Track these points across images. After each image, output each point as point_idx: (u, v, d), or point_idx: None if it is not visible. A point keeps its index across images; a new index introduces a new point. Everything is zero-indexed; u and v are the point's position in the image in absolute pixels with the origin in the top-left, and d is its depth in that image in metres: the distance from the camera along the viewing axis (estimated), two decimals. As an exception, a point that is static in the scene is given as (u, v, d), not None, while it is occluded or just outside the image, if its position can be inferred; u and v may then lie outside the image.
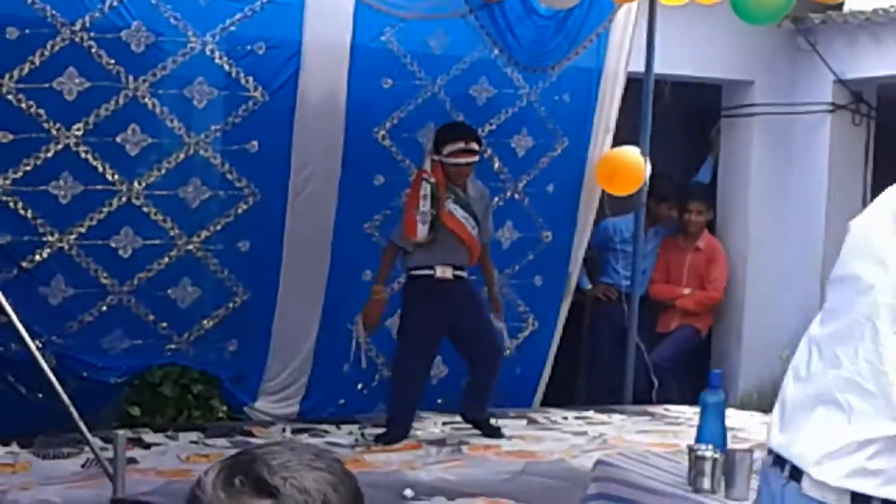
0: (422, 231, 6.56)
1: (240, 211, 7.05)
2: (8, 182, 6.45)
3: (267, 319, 7.21)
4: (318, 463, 1.64)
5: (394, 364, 6.92)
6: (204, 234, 7.00)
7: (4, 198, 6.46)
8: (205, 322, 7.11)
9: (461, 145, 6.58)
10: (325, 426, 6.98)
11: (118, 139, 6.66)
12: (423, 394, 6.89)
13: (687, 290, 8.79)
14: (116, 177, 6.70)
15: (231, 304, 7.16)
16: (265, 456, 1.64)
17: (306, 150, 7.10)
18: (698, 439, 4.43)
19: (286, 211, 7.12)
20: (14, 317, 3.25)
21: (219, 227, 7.04)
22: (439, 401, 7.56)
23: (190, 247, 6.97)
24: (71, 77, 6.47)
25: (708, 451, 4.23)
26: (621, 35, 7.88)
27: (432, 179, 6.59)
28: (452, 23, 7.40)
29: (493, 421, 6.98)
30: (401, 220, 6.69)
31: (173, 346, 7.04)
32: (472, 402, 6.96)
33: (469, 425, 6.96)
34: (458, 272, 6.69)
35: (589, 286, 8.60)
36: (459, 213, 6.63)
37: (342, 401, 7.47)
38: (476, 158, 6.73)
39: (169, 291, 6.98)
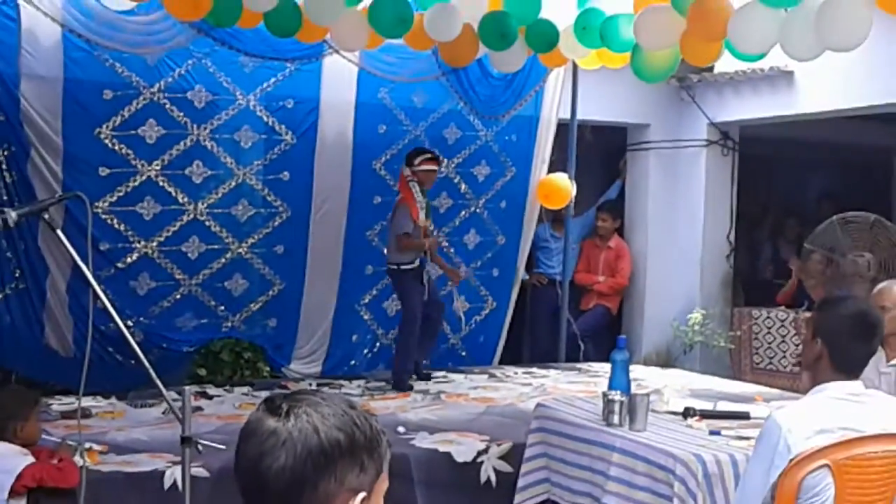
0: (422, 215, 6.59)
1: (276, 224, 7.06)
2: (106, 204, 6.48)
3: (297, 303, 7.21)
4: (330, 403, 1.61)
5: (404, 330, 6.80)
6: (250, 240, 7.01)
7: (104, 216, 6.47)
8: (252, 306, 7.10)
9: (428, 155, 6.66)
10: (340, 381, 7.00)
11: (186, 171, 6.69)
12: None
13: (602, 278, 8.83)
14: (186, 199, 6.72)
15: (270, 293, 7.15)
16: (294, 394, 1.64)
17: (324, 179, 7.12)
18: (610, 387, 4.48)
19: (309, 223, 7.14)
20: (109, 304, 3.31)
21: (261, 236, 7.04)
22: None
23: (240, 250, 6.98)
24: (151, 126, 6.51)
25: (616, 396, 4.30)
26: (553, 91, 7.91)
27: (416, 179, 6.62)
28: (430, 84, 7.41)
29: (425, 371, 7.00)
30: (401, 214, 6.60)
31: (229, 324, 7.03)
32: (421, 351, 6.95)
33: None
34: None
35: (526, 276, 8.60)
36: (422, 214, 6.65)
37: (353, 362, 7.49)
38: (437, 167, 6.75)
39: (225, 284, 6.98)
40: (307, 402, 1.60)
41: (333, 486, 1.56)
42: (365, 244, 7.37)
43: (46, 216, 3.46)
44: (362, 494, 1.59)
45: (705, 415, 4.57)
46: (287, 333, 7.24)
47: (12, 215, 3.35)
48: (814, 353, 3.09)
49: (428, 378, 6.94)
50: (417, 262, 6.66)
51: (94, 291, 3.24)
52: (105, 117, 6.37)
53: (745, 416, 4.62)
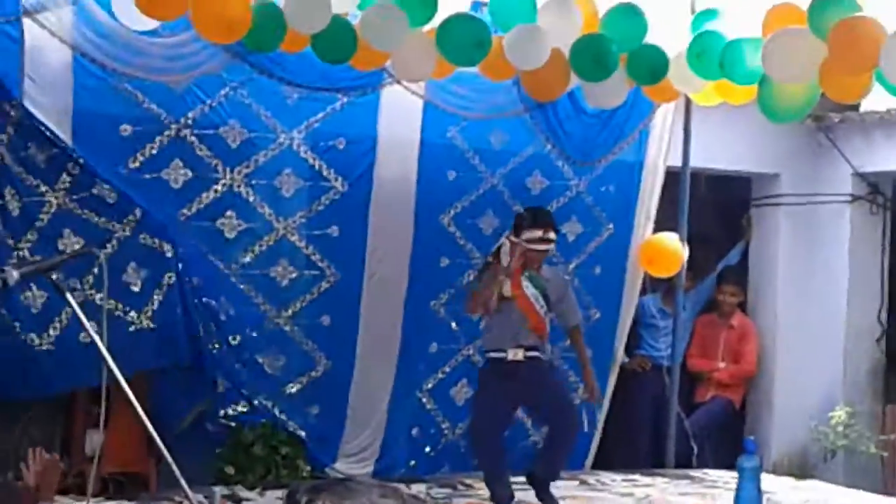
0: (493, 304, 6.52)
1: (321, 289, 7.11)
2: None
3: (345, 387, 7.24)
4: (356, 493, 1.66)
5: (469, 435, 6.91)
6: (291, 309, 7.06)
7: None
8: (289, 387, 7.14)
9: (539, 234, 6.55)
10: (396, 484, 6.98)
11: (217, 224, 6.78)
12: (504, 458, 6.67)
13: (722, 364, 8.78)
14: (215, 257, 6.80)
15: (313, 373, 7.19)
16: (317, 485, 1.69)
17: (380, 236, 7.17)
18: (736, 502, 4.45)
19: (362, 290, 7.19)
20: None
21: (304, 304, 7.08)
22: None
23: (278, 320, 7.04)
24: (176, 168, 6.61)
25: (745, 513, 4.28)
26: (660, 132, 7.94)
27: (490, 259, 6.66)
28: (510, 121, 7.47)
29: (553, 490, 6.71)
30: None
31: (264, 406, 7.06)
32: (544, 464, 6.70)
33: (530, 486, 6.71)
34: (530, 353, 6.53)
35: (626, 359, 8.53)
36: (530, 290, 6.56)
37: (412, 462, 7.48)
38: (552, 246, 6.73)
39: (258, 357, 7.02)
40: (329, 494, 1.68)
41: None
42: (429, 316, 7.40)
43: (55, 276, 3.57)
44: None
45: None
46: (332, 424, 7.26)
47: (14, 275, 3.45)
48: None
49: None
50: (507, 352, 6.52)
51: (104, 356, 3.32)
52: (122, 157, 6.50)
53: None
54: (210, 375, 6.77)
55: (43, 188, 6.28)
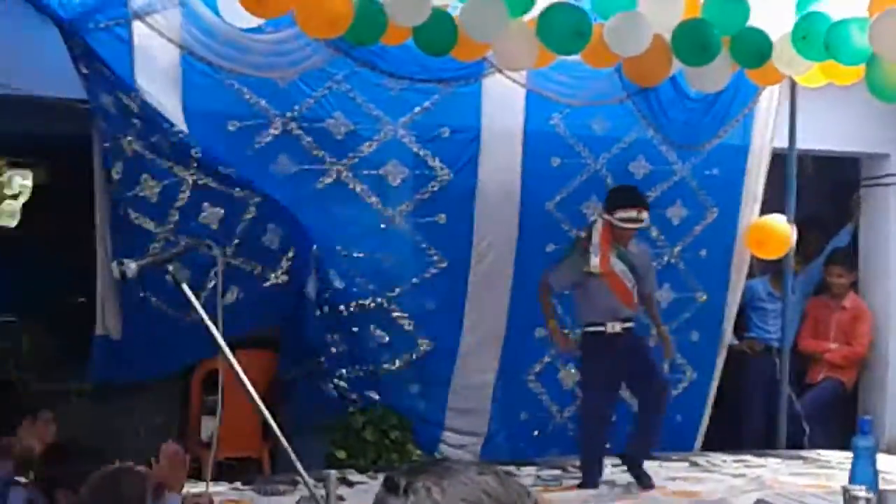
0: (594, 261, 6.54)
1: (429, 275, 7.19)
2: (230, 251, 6.67)
3: (448, 370, 7.31)
4: (454, 472, 1.69)
5: (581, 414, 6.97)
6: (397, 290, 7.14)
7: (233, 260, 6.66)
8: (390, 364, 7.19)
9: (634, 214, 6.57)
10: (506, 468, 6.93)
11: (325, 212, 6.90)
12: (605, 442, 6.79)
13: (834, 346, 8.64)
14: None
15: (415, 354, 7.23)
16: (415, 468, 1.74)
17: (486, 223, 7.23)
18: (851, 480, 4.39)
19: (468, 276, 7.25)
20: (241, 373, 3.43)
21: (409, 288, 7.17)
22: (607, 445, 7.63)
23: (382, 302, 7.11)
24: (283, 163, 6.75)
25: (861, 492, 4.17)
26: (765, 114, 7.87)
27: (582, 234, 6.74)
28: (612, 108, 7.47)
29: (646, 468, 6.78)
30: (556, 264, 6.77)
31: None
32: (637, 443, 6.80)
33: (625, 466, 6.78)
34: (626, 324, 6.66)
35: (735, 342, 8.47)
36: (619, 266, 6.62)
37: (520, 445, 7.52)
38: (643, 224, 6.74)
39: (363, 330, 7.12)
40: (427, 475, 1.68)
41: None
42: (535, 302, 7.26)
43: (171, 268, 3.67)
44: None
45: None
46: (434, 407, 7.34)
47: (132, 267, 3.57)
48: None
49: (648, 484, 6.68)
50: (605, 325, 6.60)
51: (224, 353, 3.40)
52: (231, 153, 6.64)
53: None
54: (319, 338, 6.94)
55: (177, 169, 6.46)
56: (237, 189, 6.59)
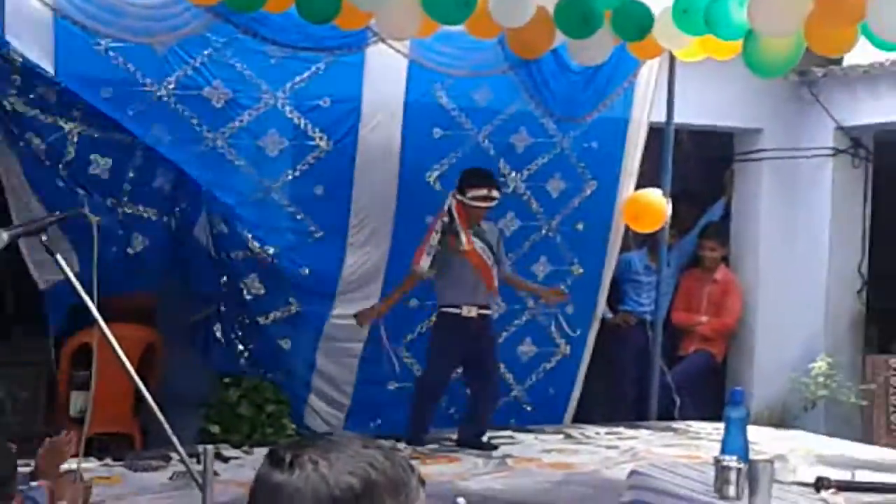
0: (425, 262, 6.69)
1: (305, 245, 7.10)
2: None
3: (316, 336, 7.23)
4: (340, 446, 1.68)
5: (417, 385, 7.06)
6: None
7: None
8: (262, 318, 7.09)
9: (484, 192, 6.69)
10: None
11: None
12: (434, 414, 7.02)
13: (704, 318, 8.75)
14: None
15: (287, 310, 7.14)
16: (299, 441, 1.72)
17: (364, 194, 7.16)
18: (723, 451, 4.43)
19: (345, 247, 7.17)
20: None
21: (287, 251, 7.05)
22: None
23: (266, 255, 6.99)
24: (158, 132, 6.58)
25: (732, 462, 4.23)
26: (645, 88, 7.91)
27: (446, 218, 6.73)
28: (495, 79, 7.45)
29: (485, 438, 6.97)
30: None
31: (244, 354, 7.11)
32: (467, 428, 7.00)
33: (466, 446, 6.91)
34: (483, 311, 6.82)
35: (609, 315, 8.54)
36: (478, 244, 6.74)
37: (379, 420, 7.47)
38: (495, 203, 6.81)
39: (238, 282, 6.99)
40: (313, 448, 1.68)
41: None
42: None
43: (44, 238, 3.52)
44: None
45: (843, 487, 4.48)
46: (302, 371, 7.25)
47: (3, 237, 3.42)
48: None
49: (492, 447, 6.87)
50: (461, 308, 6.72)
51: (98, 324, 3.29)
52: (103, 118, 6.40)
53: (894, 488, 4.51)
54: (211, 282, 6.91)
55: (61, 121, 6.27)
56: (124, 136, 6.42)
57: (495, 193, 6.75)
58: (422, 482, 1.74)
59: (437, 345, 6.89)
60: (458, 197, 6.71)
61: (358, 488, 1.64)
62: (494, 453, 6.71)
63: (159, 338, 6.91)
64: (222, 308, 6.97)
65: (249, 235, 6.88)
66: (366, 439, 1.72)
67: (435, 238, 6.70)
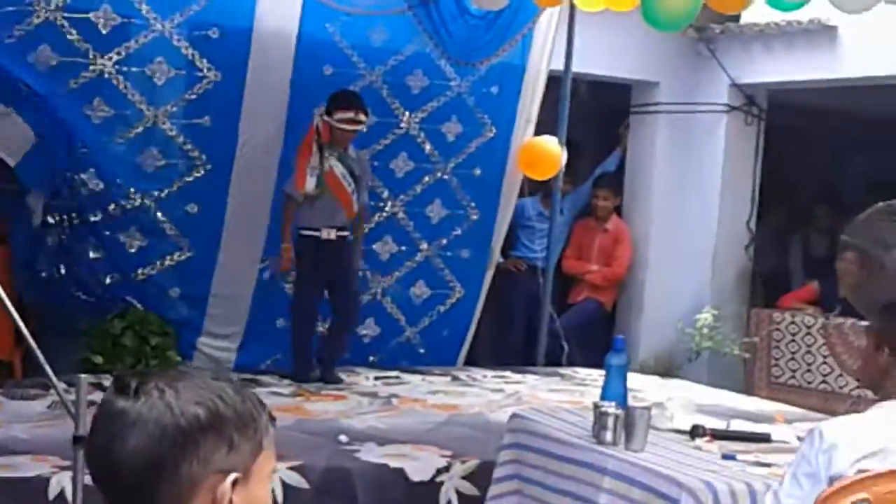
0: (310, 183, 6.61)
1: (192, 178, 6.96)
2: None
3: (208, 275, 7.11)
4: (188, 377, 1.68)
5: (290, 315, 6.96)
6: (159, 195, 6.90)
7: None
8: (148, 269, 6.99)
9: (351, 115, 6.62)
10: (266, 377, 6.89)
11: (85, 110, 6.59)
12: (313, 339, 6.99)
13: (595, 267, 8.80)
14: (82, 143, 6.59)
15: (177, 255, 7.03)
16: (147, 371, 1.73)
17: (252, 127, 7.01)
18: (602, 397, 4.41)
19: (230, 179, 7.03)
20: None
21: (174, 191, 6.94)
22: (371, 358, 7.55)
23: (149, 204, 6.88)
24: (44, 52, 6.38)
25: (611, 408, 4.21)
26: (544, 36, 7.84)
27: (315, 136, 6.66)
28: (392, 18, 7.32)
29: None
30: (292, 174, 6.70)
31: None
32: (332, 348, 7.02)
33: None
34: (341, 233, 6.80)
35: (502, 260, 8.52)
36: (339, 169, 6.70)
37: (277, 356, 7.32)
38: (362, 127, 6.76)
39: (121, 237, 6.88)
40: (161, 377, 1.67)
41: (196, 467, 1.64)
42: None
43: None
44: (234, 475, 1.66)
45: (717, 435, 4.50)
46: (194, 314, 7.16)
47: None
48: (879, 367, 3.10)
49: (338, 380, 6.85)
50: (320, 231, 6.70)
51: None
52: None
53: (765, 438, 4.55)
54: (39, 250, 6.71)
55: None
56: None
57: (362, 117, 6.68)
58: (272, 420, 1.73)
59: (300, 270, 6.84)
60: (326, 118, 6.63)
61: (204, 419, 1.63)
62: (381, 391, 6.65)
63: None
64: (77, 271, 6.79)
65: (132, 189, 6.75)
66: (218, 372, 1.69)
67: (315, 158, 6.61)
